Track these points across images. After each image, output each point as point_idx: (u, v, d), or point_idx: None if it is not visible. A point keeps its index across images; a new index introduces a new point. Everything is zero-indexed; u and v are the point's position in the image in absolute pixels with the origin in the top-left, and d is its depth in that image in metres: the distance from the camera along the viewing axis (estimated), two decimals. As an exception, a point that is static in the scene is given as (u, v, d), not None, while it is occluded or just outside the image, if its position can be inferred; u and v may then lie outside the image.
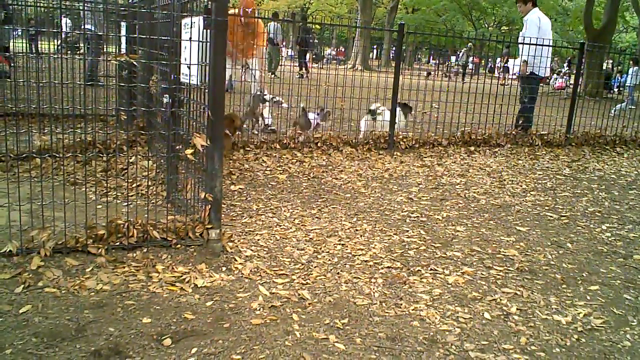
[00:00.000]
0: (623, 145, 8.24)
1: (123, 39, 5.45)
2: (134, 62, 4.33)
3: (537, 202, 5.03)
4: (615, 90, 19.32)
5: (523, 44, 7.57)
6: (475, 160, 6.58)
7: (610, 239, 4.15)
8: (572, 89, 8.45)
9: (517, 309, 2.90)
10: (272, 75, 12.98)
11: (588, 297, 3.11)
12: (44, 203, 3.14)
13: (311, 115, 6.83)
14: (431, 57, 33.90)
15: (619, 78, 23.90)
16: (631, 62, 17.97)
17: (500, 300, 2.99)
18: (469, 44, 25.18)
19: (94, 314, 2.54)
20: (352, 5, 38.20)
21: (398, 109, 6.84)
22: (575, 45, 8.48)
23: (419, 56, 40.94)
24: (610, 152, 7.86)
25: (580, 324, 2.78)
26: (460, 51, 26.31)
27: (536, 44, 7.39)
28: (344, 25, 6.78)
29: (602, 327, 2.78)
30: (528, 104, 7.83)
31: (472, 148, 7.11)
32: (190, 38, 3.34)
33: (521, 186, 5.58)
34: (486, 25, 37.57)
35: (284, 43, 19.06)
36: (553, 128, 7.95)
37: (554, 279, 3.33)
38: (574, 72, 8.15)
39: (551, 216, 4.62)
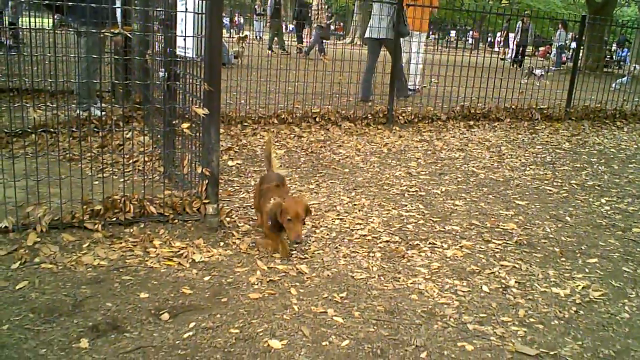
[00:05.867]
0: (623, 119, 8.21)
1: (118, 12, 5.37)
2: (129, 35, 4.26)
3: (536, 176, 5.01)
4: (615, 64, 19.19)
5: None
6: (475, 135, 6.55)
7: (609, 213, 4.14)
8: (572, 63, 8.40)
9: (516, 281, 2.89)
10: (282, 51, 12.93)
11: (587, 270, 3.11)
12: (39, 179, 3.11)
13: None
14: (430, 32, 33.46)
15: (620, 52, 23.72)
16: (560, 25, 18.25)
17: (499, 273, 2.98)
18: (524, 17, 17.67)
19: (91, 289, 2.52)
20: (350, -21, 37.67)
21: None
22: (577, 18, 8.41)
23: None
24: (610, 126, 7.83)
25: (579, 297, 2.78)
26: (517, 27, 18.74)
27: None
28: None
29: (600, 299, 2.77)
30: None
31: (472, 122, 7.07)
32: (186, 10, 3.28)
33: (520, 160, 5.55)
34: (486, -1, 37.14)
35: (284, 17, 18.86)
36: (553, 102, 7.91)
37: (553, 252, 3.32)
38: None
39: (550, 190, 4.60)
